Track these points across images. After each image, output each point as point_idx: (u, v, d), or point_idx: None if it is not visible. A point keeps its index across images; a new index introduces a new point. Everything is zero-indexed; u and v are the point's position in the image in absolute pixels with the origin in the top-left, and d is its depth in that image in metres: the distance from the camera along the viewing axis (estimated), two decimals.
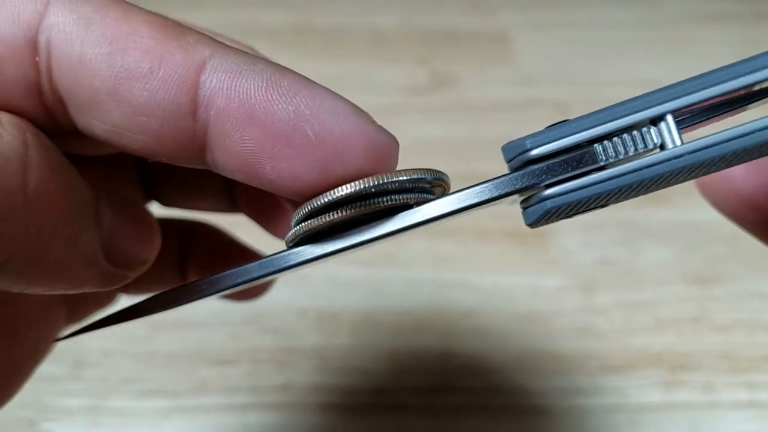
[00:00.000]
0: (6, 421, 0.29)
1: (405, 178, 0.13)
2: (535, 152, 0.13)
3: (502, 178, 0.14)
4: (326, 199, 0.13)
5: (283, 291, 0.33)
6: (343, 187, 0.13)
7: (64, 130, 0.14)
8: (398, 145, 0.14)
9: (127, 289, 0.21)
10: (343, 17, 0.54)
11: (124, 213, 0.15)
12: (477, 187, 0.14)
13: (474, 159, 0.41)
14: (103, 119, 0.13)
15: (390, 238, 0.14)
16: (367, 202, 0.13)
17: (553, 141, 0.13)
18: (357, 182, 0.13)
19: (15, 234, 0.12)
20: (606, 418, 0.29)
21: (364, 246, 0.14)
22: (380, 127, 0.14)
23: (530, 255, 0.35)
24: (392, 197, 0.13)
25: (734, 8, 0.55)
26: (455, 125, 0.44)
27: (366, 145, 0.13)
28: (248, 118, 0.13)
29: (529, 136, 0.13)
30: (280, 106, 0.13)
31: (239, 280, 0.15)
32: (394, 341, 0.32)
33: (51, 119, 0.14)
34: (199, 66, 0.13)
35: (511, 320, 0.33)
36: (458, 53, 0.50)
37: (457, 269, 0.35)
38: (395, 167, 0.14)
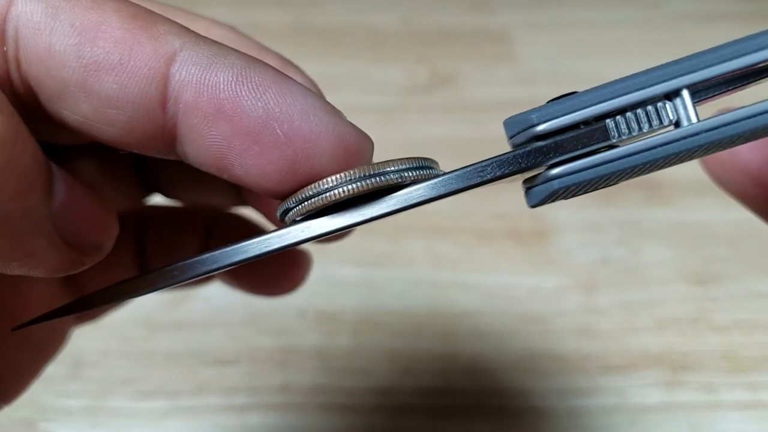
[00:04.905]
0: (5, 421, 0.29)
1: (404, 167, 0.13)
2: (541, 128, 0.12)
3: (506, 156, 0.13)
4: (314, 191, 0.13)
5: None
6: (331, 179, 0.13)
7: (37, 118, 0.14)
8: (372, 144, 0.14)
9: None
10: (342, 17, 0.54)
11: (78, 192, 0.14)
12: (477, 165, 0.13)
13: (474, 159, 0.40)
14: (73, 110, 0.13)
15: (389, 216, 0.14)
16: (362, 183, 0.13)
17: (562, 116, 0.12)
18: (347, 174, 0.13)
19: None
20: (606, 419, 0.29)
21: (361, 224, 0.13)
22: (353, 126, 0.13)
23: (530, 255, 0.35)
24: (388, 177, 0.13)
25: (735, 7, 0.55)
26: (456, 125, 0.44)
27: (336, 145, 0.13)
28: (216, 113, 0.13)
29: (535, 109, 0.12)
30: (249, 102, 0.13)
31: (235, 259, 0.13)
32: (393, 342, 0.32)
33: (22, 108, 0.13)
34: (169, 58, 0.13)
35: (511, 320, 0.33)
36: (459, 52, 0.50)
37: (456, 269, 0.35)
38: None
